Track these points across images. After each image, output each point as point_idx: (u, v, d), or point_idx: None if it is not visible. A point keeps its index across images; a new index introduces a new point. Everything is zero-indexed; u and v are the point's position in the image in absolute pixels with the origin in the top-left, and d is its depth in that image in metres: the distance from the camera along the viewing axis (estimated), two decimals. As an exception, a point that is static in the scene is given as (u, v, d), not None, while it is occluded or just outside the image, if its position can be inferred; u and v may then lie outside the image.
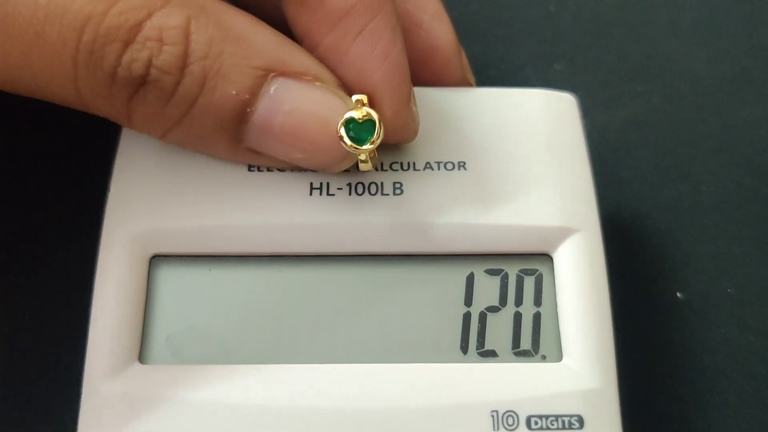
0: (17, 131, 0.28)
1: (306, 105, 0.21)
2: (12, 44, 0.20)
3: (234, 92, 0.20)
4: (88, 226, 0.24)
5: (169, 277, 0.22)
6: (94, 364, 0.21)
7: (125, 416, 0.20)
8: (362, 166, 0.22)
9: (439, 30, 0.24)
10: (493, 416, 0.20)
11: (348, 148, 0.21)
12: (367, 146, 0.21)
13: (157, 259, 0.22)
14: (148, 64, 0.20)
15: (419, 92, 0.23)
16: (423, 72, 0.24)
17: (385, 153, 0.23)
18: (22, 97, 0.22)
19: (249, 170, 0.23)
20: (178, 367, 0.21)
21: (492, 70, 0.31)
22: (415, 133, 0.23)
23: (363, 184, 0.23)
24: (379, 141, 0.21)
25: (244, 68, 0.20)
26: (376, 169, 0.23)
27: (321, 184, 0.23)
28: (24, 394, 0.24)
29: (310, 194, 0.22)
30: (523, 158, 0.23)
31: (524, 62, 0.31)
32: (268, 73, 0.21)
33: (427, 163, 0.23)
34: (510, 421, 0.20)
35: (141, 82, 0.20)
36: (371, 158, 0.21)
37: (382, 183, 0.23)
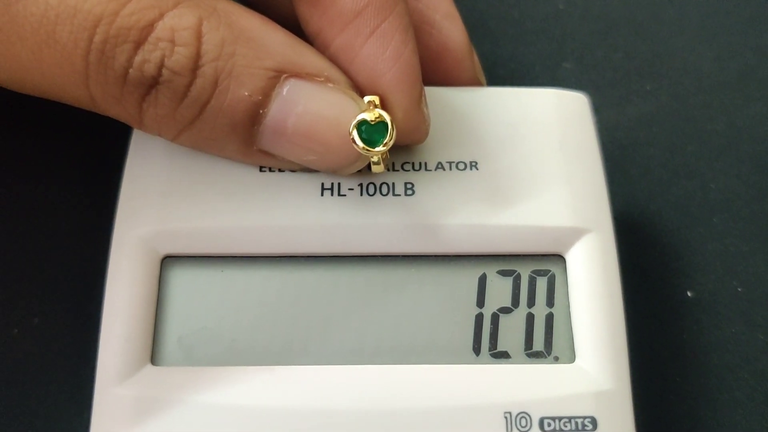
0: (28, 132, 0.28)
1: (318, 106, 0.21)
2: (23, 44, 0.20)
3: (246, 93, 0.20)
4: (99, 227, 0.24)
5: (180, 278, 0.22)
6: (106, 366, 0.21)
7: (137, 418, 0.20)
8: (374, 168, 0.22)
9: (451, 30, 0.24)
10: (506, 418, 0.20)
11: (360, 150, 0.21)
12: (379, 148, 0.21)
13: (168, 260, 0.22)
14: (160, 65, 0.20)
15: (430, 92, 0.23)
16: (434, 72, 0.24)
17: (396, 153, 0.23)
18: (33, 98, 0.22)
19: (260, 171, 0.23)
20: (191, 368, 0.21)
21: (501, 69, 0.31)
22: (426, 135, 0.23)
23: (374, 185, 0.23)
24: (391, 143, 0.21)
25: (256, 69, 0.20)
26: (388, 170, 0.23)
27: (332, 184, 0.23)
28: (34, 396, 0.24)
29: (322, 195, 0.22)
30: (536, 158, 0.23)
31: (533, 61, 0.31)
32: (280, 75, 0.20)
33: (439, 163, 0.23)
34: (523, 422, 0.20)
35: (153, 84, 0.20)
36: (383, 160, 0.21)
37: (393, 183, 0.23)
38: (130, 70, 0.20)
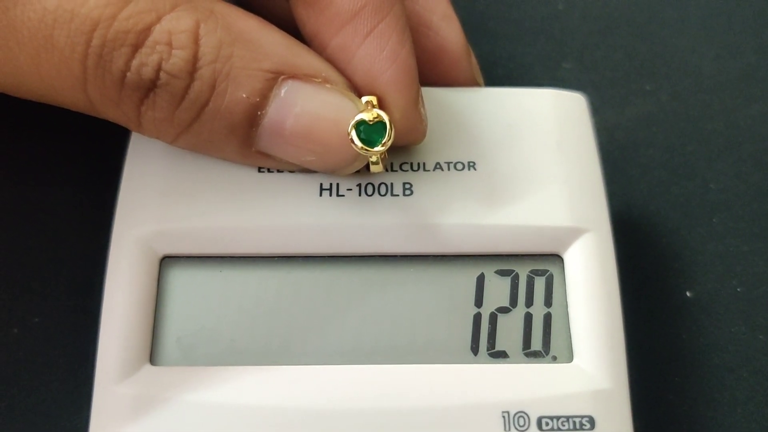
0: (28, 134, 0.28)
1: (316, 107, 0.21)
2: (21, 49, 0.20)
3: (244, 95, 0.20)
4: (98, 227, 0.24)
5: (179, 279, 0.22)
6: (105, 366, 0.21)
7: (136, 417, 0.20)
8: (373, 168, 0.22)
9: (447, 31, 0.24)
10: (504, 417, 0.20)
11: (359, 150, 0.21)
12: (378, 148, 0.21)
13: (167, 261, 0.22)
14: (158, 69, 0.20)
15: (428, 92, 0.23)
16: (432, 73, 0.24)
17: (394, 153, 0.23)
18: (32, 102, 0.22)
19: (259, 171, 0.23)
20: (189, 368, 0.21)
21: (500, 69, 0.31)
22: (424, 135, 0.23)
23: (373, 185, 0.23)
24: (390, 143, 0.21)
25: (253, 71, 0.20)
26: (386, 170, 0.23)
27: (331, 185, 0.23)
28: (34, 395, 0.24)
29: (320, 195, 0.22)
30: (533, 158, 0.23)
31: (532, 61, 0.31)
32: (278, 76, 0.21)
33: (437, 163, 0.23)
34: (521, 422, 0.20)
35: (151, 87, 0.20)
36: (382, 160, 0.21)
37: (392, 184, 0.23)
38: (128, 74, 0.20)
